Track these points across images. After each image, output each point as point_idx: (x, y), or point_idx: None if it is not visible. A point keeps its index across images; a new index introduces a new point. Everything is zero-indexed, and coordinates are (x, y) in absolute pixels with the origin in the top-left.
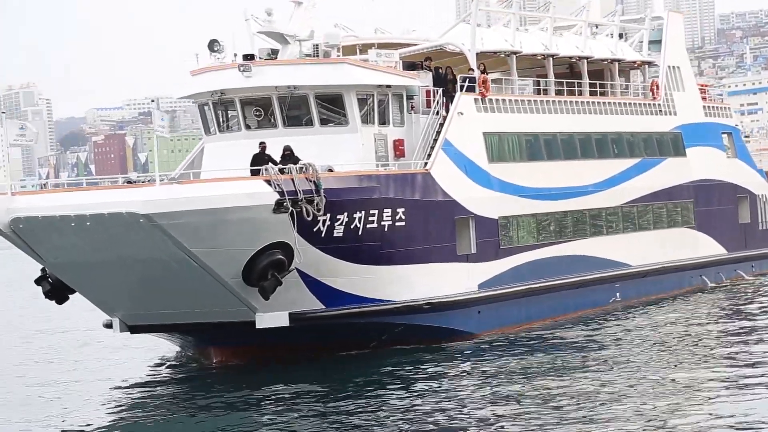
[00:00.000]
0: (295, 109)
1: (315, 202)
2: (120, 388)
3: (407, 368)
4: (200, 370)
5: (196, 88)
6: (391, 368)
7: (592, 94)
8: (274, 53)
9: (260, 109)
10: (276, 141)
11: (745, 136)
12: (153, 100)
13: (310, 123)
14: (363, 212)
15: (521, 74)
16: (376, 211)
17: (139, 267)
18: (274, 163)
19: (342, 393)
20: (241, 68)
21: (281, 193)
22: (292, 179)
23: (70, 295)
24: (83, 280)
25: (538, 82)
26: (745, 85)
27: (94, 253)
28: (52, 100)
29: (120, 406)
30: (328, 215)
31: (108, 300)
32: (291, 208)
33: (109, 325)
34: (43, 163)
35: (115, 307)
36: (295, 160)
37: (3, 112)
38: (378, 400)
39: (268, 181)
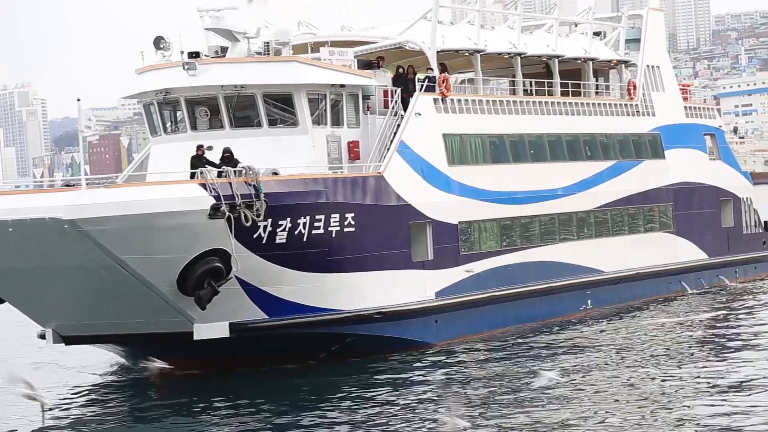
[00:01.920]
0: (243, 109)
1: (255, 207)
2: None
3: (358, 381)
4: (139, 383)
5: (141, 87)
6: (340, 381)
7: (564, 94)
8: (223, 51)
9: (207, 109)
10: (223, 143)
11: (740, 137)
12: (78, 99)
13: (258, 124)
14: (308, 217)
15: (495, 75)
16: (322, 217)
17: (68, 275)
18: (214, 166)
19: (286, 407)
20: (186, 66)
21: (217, 198)
22: (230, 183)
23: None
24: (10, 289)
25: (513, 82)
26: (739, 86)
27: (20, 260)
28: (47, 99)
29: (54, 420)
30: (270, 221)
31: (38, 310)
32: (228, 214)
33: (42, 336)
34: (37, 164)
35: (46, 317)
36: (235, 163)
37: None
38: (326, 415)
39: (204, 185)
